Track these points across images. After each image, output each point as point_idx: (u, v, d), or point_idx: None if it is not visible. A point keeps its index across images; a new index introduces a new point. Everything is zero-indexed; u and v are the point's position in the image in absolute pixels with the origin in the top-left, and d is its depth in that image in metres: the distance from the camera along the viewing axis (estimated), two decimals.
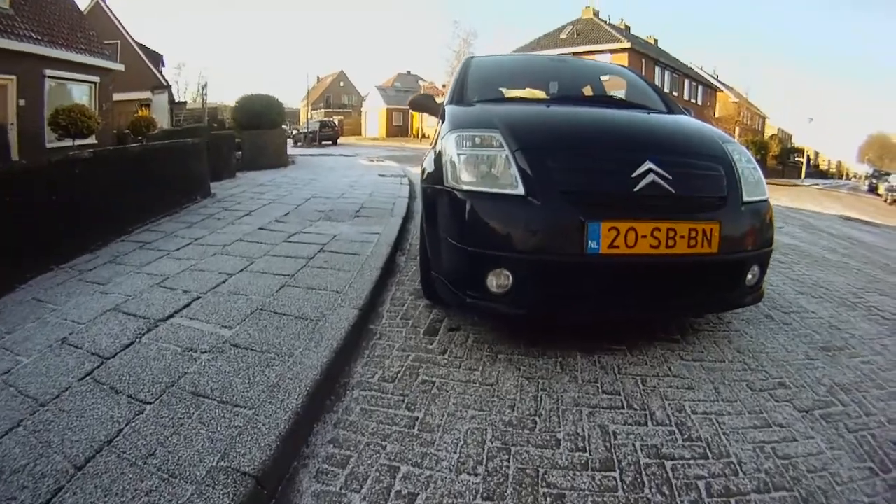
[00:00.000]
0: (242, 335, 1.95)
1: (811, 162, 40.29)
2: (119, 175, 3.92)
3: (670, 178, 1.80)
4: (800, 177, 30.71)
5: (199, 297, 2.37)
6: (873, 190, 27.01)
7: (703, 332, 2.56)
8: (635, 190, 1.77)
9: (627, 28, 30.71)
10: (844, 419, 1.95)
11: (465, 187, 1.83)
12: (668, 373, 2.03)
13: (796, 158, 35.36)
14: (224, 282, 2.59)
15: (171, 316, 2.18)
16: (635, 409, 1.74)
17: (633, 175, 1.78)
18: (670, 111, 2.86)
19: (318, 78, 58.41)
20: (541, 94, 2.97)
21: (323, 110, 46.87)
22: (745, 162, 2.14)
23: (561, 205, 1.72)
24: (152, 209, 4.29)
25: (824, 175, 47.91)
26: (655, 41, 34.43)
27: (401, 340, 2.15)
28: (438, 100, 2.97)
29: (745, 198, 2.00)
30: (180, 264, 3.00)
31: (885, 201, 21.24)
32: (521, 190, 1.76)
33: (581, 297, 1.84)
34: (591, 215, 1.69)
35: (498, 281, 1.75)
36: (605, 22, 29.01)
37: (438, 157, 2.08)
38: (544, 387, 1.83)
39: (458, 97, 2.71)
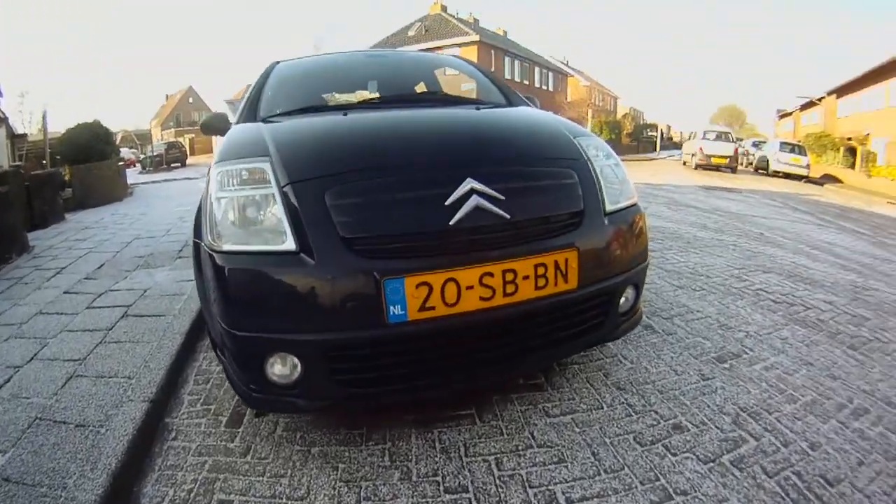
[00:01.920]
0: (16, 462, 2.06)
1: (665, 135, 52.31)
2: None
3: (503, 198, 1.89)
4: (655, 150, 40.34)
5: None
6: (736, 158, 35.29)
7: (571, 367, 2.80)
8: (452, 223, 1.82)
9: (476, 21, 40.75)
10: (760, 459, 2.07)
11: (225, 247, 1.88)
12: (532, 443, 2.14)
13: (650, 133, 46.15)
14: (9, 380, 2.74)
15: None
16: None
17: (449, 202, 1.84)
18: (510, 103, 3.24)
19: (166, 96, 74.74)
20: (359, 97, 3.38)
21: (173, 130, 57.79)
22: (605, 158, 2.36)
23: (345, 260, 1.77)
24: None
25: (678, 146, 62.89)
26: (504, 32, 44.27)
27: (199, 438, 2.27)
28: None
29: (609, 207, 2.18)
30: None
31: (740, 164, 28.19)
32: (290, 244, 1.81)
33: (396, 378, 1.94)
34: (389, 270, 1.74)
35: (282, 370, 1.85)
36: (454, 16, 38.97)
37: (203, 203, 2.16)
38: (368, 494, 1.89)
39: (249, 113, 2.94)
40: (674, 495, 1.84)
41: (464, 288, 1.76)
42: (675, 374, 2.72)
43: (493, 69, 33.89)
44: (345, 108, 2.87)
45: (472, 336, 1.91)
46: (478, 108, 2.91)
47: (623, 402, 2.43)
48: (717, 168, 21.81)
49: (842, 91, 32.40)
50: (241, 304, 1.84)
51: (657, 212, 8.26)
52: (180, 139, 44.80)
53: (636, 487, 1.87)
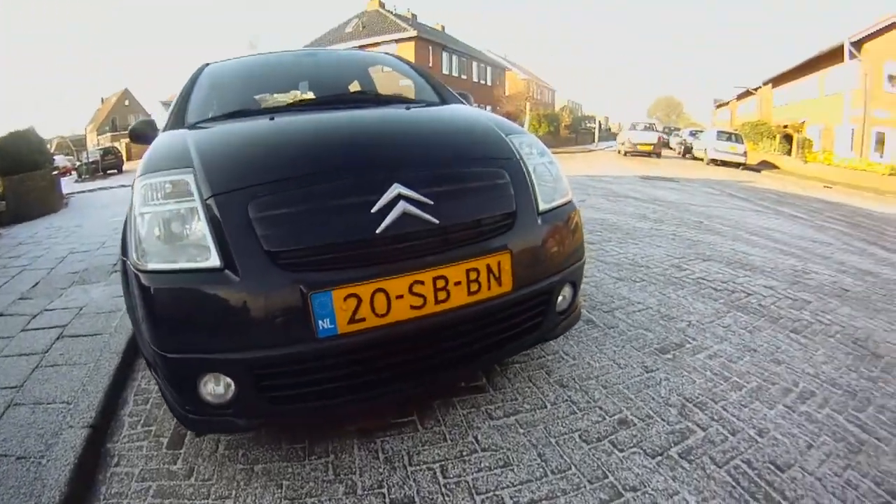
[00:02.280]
0: None
1: (603, 127, 57.56)
2: None
3: (431, 203, 1.95)
4: (593, 142, 43.08)
5: None
6: (665, 145, 39.12)
7: (513, 366, 2.85)
8: (379, 231, 1.87)
9: (414, 16, 43.33)
10: (709, 450, 2.15)
11: (150, 266, 1.90)
12: (476, 447, 2.19)
13: (589, 125, 50.02)
14: None
15: None
16: None
17: (375, 209, 1.89)
18: (443, 101, 3.36)
19: (102, 99, 76.51)
20: (289, 99, 3.48)
21: (109, 135, 58.53)
22: (538, 156, 2.45)
23: (270, 275, 1.81)
24: None
25: (616, 137, 66.10)
26: (443, 27, 47.01)
27: (142, 462, 2.28)
28: None
29: (542, 206, 2.26)
30: None
31: (678, 154, 31.28)
32: (215, 261, 1.84)
33: (331, 392, 1.99)
34: (316, 283, 1.79)
35: (215, 390, 1.89)
36: (391, 12, 41.40)
37: (128, 218, 2.17)
38: None
39: (176, 120, 2.97)
40: (623, 492, 1.89)
41: (394, 297, 1.81)
42: (619, 367, 2.80)
43: (430, 65, 36.41)
44: (273, 111, 2.94)
45: (406, 345, 1.96)
46: (408, 108, 2.99)
47: (567, 400, 2.48)
48: (646, 154, 26.38)
49: (777, 81, 35.19)
50: (170, 325, 1.87)
51: (596, 204, 8.49)
52: (116, 144, 45.02)
53: (585, 487, 1.92)
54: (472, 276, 1.93)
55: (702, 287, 4.18)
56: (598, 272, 4.46)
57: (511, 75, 55.44)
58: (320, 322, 1.77)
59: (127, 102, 74.79)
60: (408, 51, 35.05)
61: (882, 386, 2.77)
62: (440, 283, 1.87)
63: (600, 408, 2.41)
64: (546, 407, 2.43)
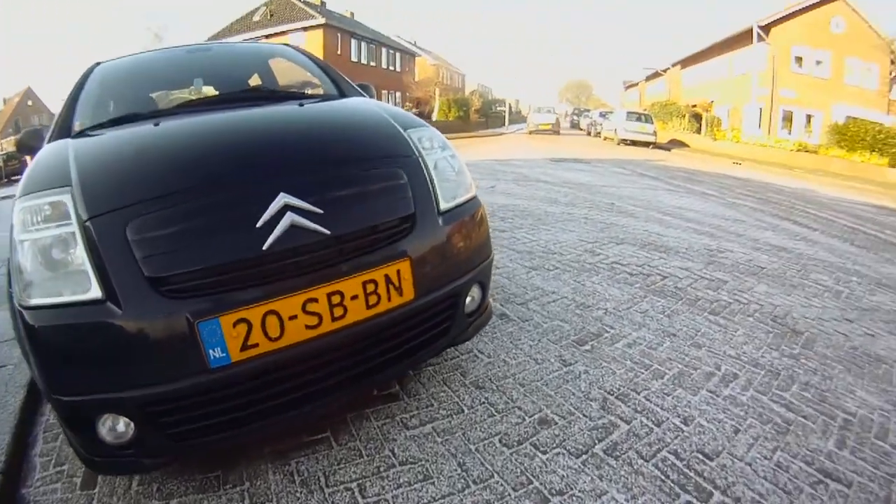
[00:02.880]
0: None
1: (513, 110, 59.70)
2: None
3: (321, 212, 1.93)
4: (504, 125, 45.79)
5: None
6: (575, 126, 44.16)
7: (426, 370, 2.84)
8: (266, 248, 1.85)
9: (323, 3, 44.47)
10: (634, 444, 2.21)
11: (32, 301, 1.83)
12: (394, 461, 2.19)
13: (499, 109, 52.66)
14: None
15: None
16: None
17: (261, 223, 1.86)
18: (342, 94, 3.38)
19: (3, 100, 75.88)
20: (178, 100, 3.50)
21: (12, 138, 49.54)
22: (440, 150, 2.46)
23: (153, 304, 1.78)
24: None
25: (526, 119, 71.58)
26: (352, 14, 48.72)
27: None
28: None
29: (444, 205, 2.28)
30: None
31: (589, 134, 34.26)
32: (96, 291, 1.78)
33: (233, 422, 1.97)
34: (202, 311, 1.76)
35: (114, 430, 1.87)
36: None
37: (10, 245, 2.08)
38: None
39: (61, 129, 2.87)
40: (550, 497, 1.91)
41: (287, 319, 1.81)
42: (536, 363, 2.83)
43: (339, 53, 37.89)
44: (159, 115, 2.90)
45: (304, 367, 1.96)
46: (301, 105, 2.95)
47: (484, 402, 2.49)
48: (547, 132, 33.60)
49: (687, 62, 39.71)
50: (58, 366, 1.83)
51: (506, 189, 8.61)
52: None
53: (509, 495, 1.93)
54: (370, 288, 1.94)
55: (616, 272, 4.31)
56: (511, 262, 4.51)
57: (421, 61, 57.52)
58: (211, 352, 1.75)
59: (30, 102, 74.69)
60: (316, 39, 36.10)
61: (804, 363, 2.96)
62: (336, 299, 1.87)
63: (519, 408, 2.42)
64: (463, 412, 2.43)
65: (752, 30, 28.02)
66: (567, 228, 5.81)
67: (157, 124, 2.63)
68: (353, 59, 41.09)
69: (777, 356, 3.02)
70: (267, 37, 36.01)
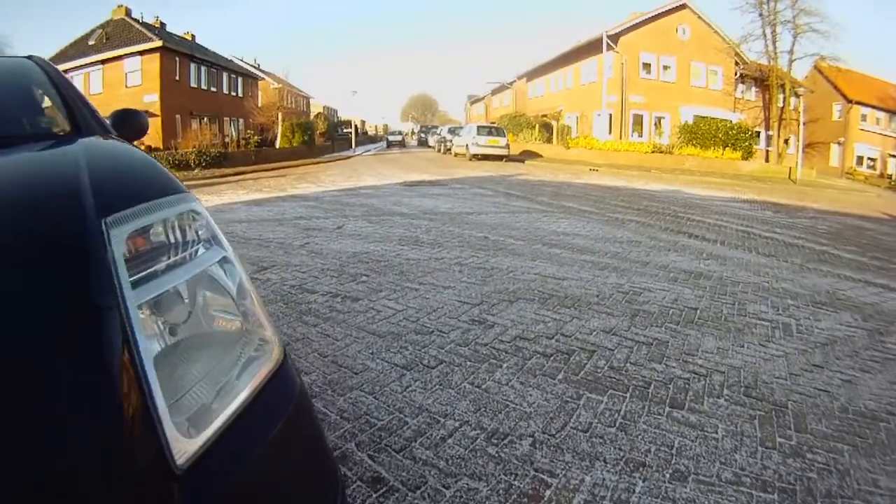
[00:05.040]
0: None
1: (360, 131, 63.65)
2: None
3: None
4: (350, 147, 45.63)
5: None
6: (423, 143, 45.58)
7: None
8: None
9: (163, 25, 43.68)
10: None
11: None
12: None
13: (345, 130, 53.94)
14: None
15: None
16: None
17: None
18: (78, 130, 2.63)
19: None
20: None
21: None
22: (200, 259, 1.42)
23: None
24: None
25: (374, 140, 71.23)
26: (193, 37, 48.57)
27: None
28: None
29: (182, 448, 1.11)
30: None
31: (439, 151, 33.73)
32: None
33: None
34: None
35: None
36: (138, 21, 40.81)
37: None
38: None
39: None
40: None
41: None
42: None
43: (178, 78, 37.30)
44: None
45: None
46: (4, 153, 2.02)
47: None
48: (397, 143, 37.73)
49: (533, 75, 41.43)
50: None
51: (356, 229, 7.30)
52: None
53: None
54: None
55: (525, 357, 3.15)
56: (373, 357, 3.16)
57: (264, 84, 58.19)
58: None
59: None
60: (153, 63, 35.12)
61: (811, 459, 2.42)
62: None
63: None
64: None
65: (601, 39, 29.33)
66: (439, 283, 4.61)
67: None
68: (193, 84, 40.39)
69: (779, 460, 2.36)
70: (103, 62, 34.53)
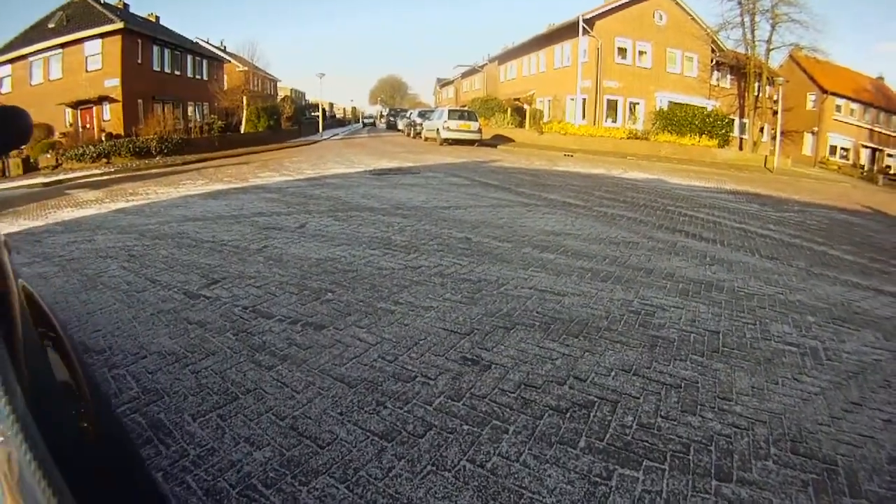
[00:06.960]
0: None
1: (328, 114, 66.39)
2: None
3: None
4: (318, 131, 46.48)
5: None
6: (392, 127, 45.62)
7: None
8: None
9: (126, 6, 42.59)
10: None
11: None
12: None
13: (313, 114, 54.41)
14: None
15: None
16: None
17: None
18: None
19: None
20: None
21: None
22: None
23: None
24: None
25: (342, 123, 76.70)
26: (157, 18, 47.84)
27: None
28: None
29: None
30: None
31: (408, 135, 32.82)
32: None
33: None
34: None
35: None
36: (99, 2, 39.45)
37: None
38: None
39: None
40: None
41: None
42: None
43: (140, 61, 36.26)
44: None
45: None
46: None
47: None
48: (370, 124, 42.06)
49: (504, 58, 41.54)
50: None
51: (320, 228, 6.64)
52: None
53: None
54: None
55: (535, 415, 2.55)
56: (342, 418, 2.53)
57: (230, 67, 57.78)
58: None
59: None
60: (114, 46, 33.79)
61: None
62: None
63: None
64: None
65: (577, 23, 28.97)
66: (419, 302, 4.01)
67: None
68: (156, 67, 39.37)
69: None
70: (63, 45, 33.35)
